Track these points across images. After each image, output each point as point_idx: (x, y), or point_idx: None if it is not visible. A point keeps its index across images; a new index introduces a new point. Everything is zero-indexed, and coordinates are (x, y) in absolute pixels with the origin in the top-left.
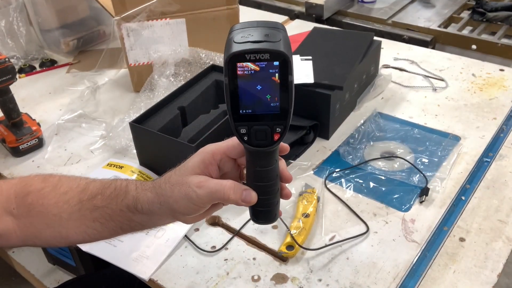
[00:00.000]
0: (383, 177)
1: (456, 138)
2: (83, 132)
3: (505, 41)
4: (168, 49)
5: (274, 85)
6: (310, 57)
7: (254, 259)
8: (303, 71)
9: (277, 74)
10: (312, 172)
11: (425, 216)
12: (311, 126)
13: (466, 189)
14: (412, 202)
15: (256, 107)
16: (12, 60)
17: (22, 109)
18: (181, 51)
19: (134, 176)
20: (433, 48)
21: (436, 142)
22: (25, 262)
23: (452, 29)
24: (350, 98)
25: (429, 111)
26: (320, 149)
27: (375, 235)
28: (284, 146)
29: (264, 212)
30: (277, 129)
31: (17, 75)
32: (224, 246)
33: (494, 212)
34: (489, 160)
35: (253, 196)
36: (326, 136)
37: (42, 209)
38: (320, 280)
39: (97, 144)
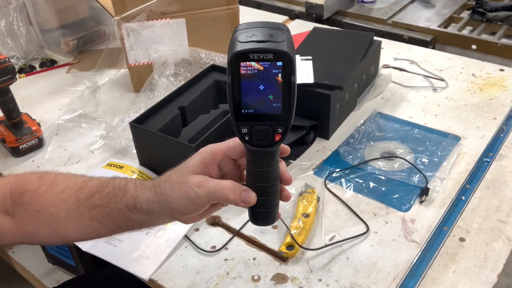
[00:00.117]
0: (383, 177)
1: (456, 138)
2: (83, 132)
3: (505, 41)
4: (168, 49)
5: (277, 86)
6: (310, 57)
7: (254, 259)
8: (303, 71)
9: (280, 75)
10: (312, 172)
11: (425, 216)
12: (311, 126)
13: (466, 189)
14: (412, 202)
15: (258, 107)
16: (12, 60)
17: (22, 109)
18: (181, 51)
19: (134, 176)
20: (433, 48)
21: (436, 142)
22: (25, 262)
23: (452, 29)
24: (350, 98)
25: (429, 111)
26: (320, 149)
27: (375, 235)
28: (285, 148)
29: (263, 213)
30: (279, 129)
31: (17, 75)
32: (224, 246)
33: (494, 212)
34: (489, 160)
35: (252, 196)
36: (326, 136)
37: (39, 208)
38: (320, 280)
39: (97, 144)
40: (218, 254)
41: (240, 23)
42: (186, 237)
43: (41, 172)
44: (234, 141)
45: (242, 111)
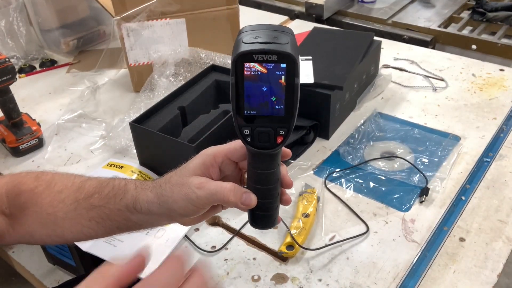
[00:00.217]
0: (383, 177)
1: (456, 138)
2: (83, 132)
3: (505, 41)
4: (168, 49)
5: (280, 87)
6: (310, 57)
7: (254, 259)
8: (303, 71)
9: (283, 77)
10: (312, 172)
11: (425, 216)
12: (311, 126)
13: (466, 189)
14: (412, 202)
15: (261, 109)
16: (12, 60)
17: (22, 109)
18: (181, 51)
19: (134, 176)
20: (433, 48)
21: (436, 142)
22: (25, 262)
23: (452, 29)
24: (350, 98)
25: (429, 111)
26: (320, 149)
27: (375, 235)
28: (287, 151)
29: (263, 216)
30: (281, 132)
31: (17, 75)
32: (224, 246)
33: (494, 212)
34: (489, 160)
35: (253, 199)
36: (326, 136)
37: (36, 208)
38: (320, 280)
39: (97, 144)
40: (218, 254)
41: (240, 23)
42: (186, 237)
43: (37, 172)
44: (236, 144)
45: (245, 112)
